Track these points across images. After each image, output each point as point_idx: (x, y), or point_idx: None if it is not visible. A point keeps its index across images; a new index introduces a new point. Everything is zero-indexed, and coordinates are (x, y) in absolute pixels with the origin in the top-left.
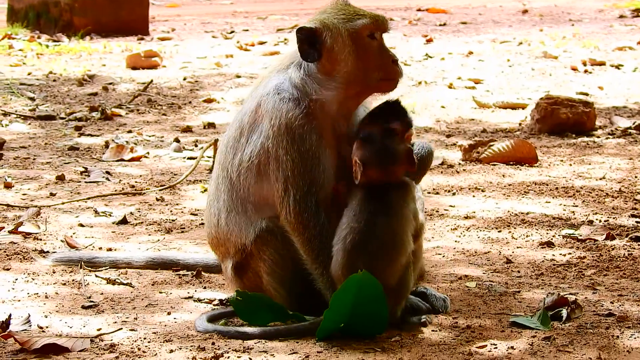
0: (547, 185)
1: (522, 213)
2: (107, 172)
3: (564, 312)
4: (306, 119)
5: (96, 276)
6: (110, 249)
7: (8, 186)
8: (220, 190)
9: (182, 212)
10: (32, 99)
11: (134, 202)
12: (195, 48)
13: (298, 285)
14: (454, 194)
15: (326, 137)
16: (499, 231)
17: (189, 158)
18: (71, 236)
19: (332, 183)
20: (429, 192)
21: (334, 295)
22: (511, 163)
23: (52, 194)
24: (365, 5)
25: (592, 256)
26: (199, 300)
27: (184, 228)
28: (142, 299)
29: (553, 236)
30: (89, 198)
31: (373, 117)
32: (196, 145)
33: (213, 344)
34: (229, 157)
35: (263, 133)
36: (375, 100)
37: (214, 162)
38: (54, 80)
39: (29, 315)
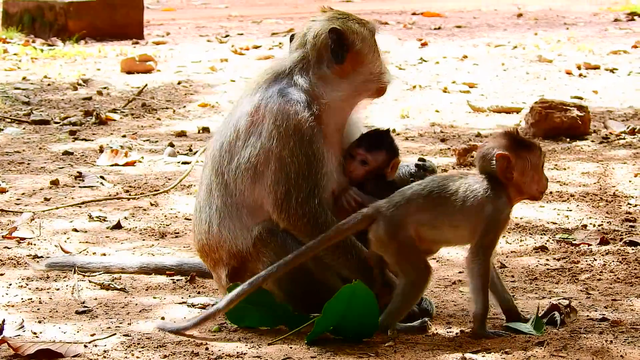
0: None
1: (516, 217)
2: (102, 177)
3: (558, 317)
4: (315, 122)
5: (90, 281)
6: (104, 254)
7: (2, 191)
8: (214, 196)
9: (176, 217)
10: (27, 104)
11: (128, 207)
12: (190, 52)
13: (296, 286)
14: None
15: (330, 140)
16: None
17: (183, 163)
18: (65, 241)
19: (333, 185)
20: None
21: (327, 304)
22: None
23: (46, 199)
24: (360, 9)
25: (586, 261)
26: (193, 305)
27: (178, 233)
28: (136, 304)
29: (547, 241)
30: (83, 203)
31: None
32: (191, 150)
33: (207, 349)
34: (224, 162)
35: (264, 134)
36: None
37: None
38: (49, 85)
39: (23, 321)
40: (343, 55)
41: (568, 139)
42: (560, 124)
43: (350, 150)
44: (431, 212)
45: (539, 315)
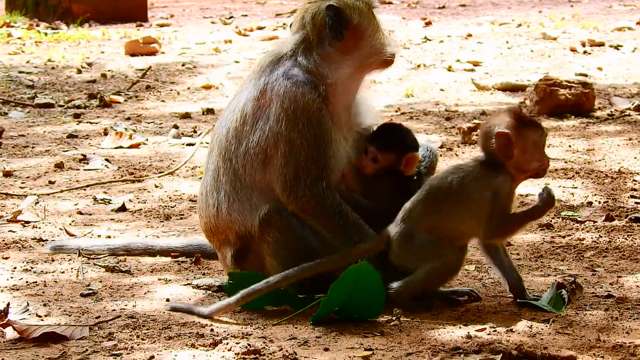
0: None
1: (521, 195)
2: (106, 160)
3: (565, 294)
4: (323, 103)
5: (94, 264)
6: (108, 236)
7: (7, 174)
8: (222, 182)
9: (181, 198)
10: (31, 87)
11: (133, 189)
12: (194, 34)
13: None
14: None
15: (338, 120)
16: None
17: (188, 144)
18: (70, 224)
19: (341, 169)
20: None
21: (332, 285)
22: None
23: (50, 182)
24: None
25: (592, 238)
26: (198, 287)
27: (182, 214)
28: (141, 286)
29: (552, 218)
30: (87, 186)
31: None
32: (195, 132)
33: (212, 330)
34: (231, 147)
35: (272, 118)
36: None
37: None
38: (53, 68)
39: (28, 304)
40: (342, 32)
41: (573, 116)
42: (565, 101)
43: (366, 146)
44: (437, 213)
45: (545, 293)
